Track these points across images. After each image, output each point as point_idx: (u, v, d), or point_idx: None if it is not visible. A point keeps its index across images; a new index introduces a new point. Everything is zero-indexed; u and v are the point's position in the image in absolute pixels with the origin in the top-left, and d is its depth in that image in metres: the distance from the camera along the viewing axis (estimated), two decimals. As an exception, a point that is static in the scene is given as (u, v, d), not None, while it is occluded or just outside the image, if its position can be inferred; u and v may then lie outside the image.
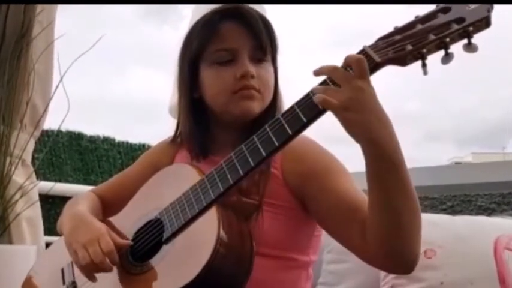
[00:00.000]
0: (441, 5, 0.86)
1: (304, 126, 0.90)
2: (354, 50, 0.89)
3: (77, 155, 6.49)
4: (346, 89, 0.85)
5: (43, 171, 5.72)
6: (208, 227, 0.94)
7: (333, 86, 0.87)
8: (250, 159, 0.94)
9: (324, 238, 1.15)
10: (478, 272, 1.25)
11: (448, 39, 0.82)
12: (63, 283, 1.14)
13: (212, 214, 0.95)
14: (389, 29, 0.89)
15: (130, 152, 6.96)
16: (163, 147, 1.27)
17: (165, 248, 1.00)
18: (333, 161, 1.09)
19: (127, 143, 7.06)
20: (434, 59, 0.84)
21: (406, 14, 0.89)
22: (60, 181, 5.59)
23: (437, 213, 1.76)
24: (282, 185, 1.07)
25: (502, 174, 1.81)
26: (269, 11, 1.23)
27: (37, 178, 2.17)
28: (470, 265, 1.26)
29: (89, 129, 6.87)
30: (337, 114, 0.86)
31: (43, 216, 2.15)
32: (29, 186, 2.02)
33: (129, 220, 1.12)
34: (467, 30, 0.81)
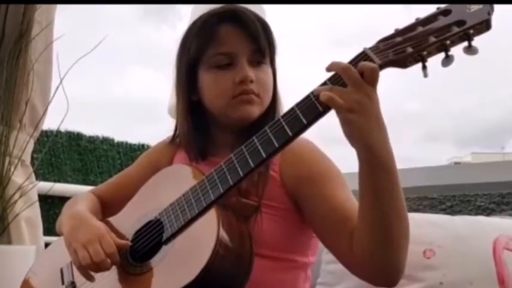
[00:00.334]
0: (442, 8, 0.86)
1: (305, 127, 0.90)
2: (354, 50, 0.89)
3: (76, 155, 6.49)
4: (354, 92, 0.85)
5: (42, 172, 5.72)
6: (208, 227, 0.94)
7: (337, 87, 0.87)
8: (250, 161, 0.94)
9: (324, 239, 1.15)
10: (477, 272, 1.24)
11: (448, 42, 0.82)
12: (62, 283, 1.14)
13: (212, 215, 0.96)
14: (389, 29, 0.89)
15: (130, 152, 6.96)
16: (162, 148, 1.27)
17: (164, 248, 1.00)
18: (331, 167, 1.10)
19: (126, 143, 7.06)
20: (435, 60, 0.85)
21: (406, 15, 0.89)
22: (59, 181, 5.59)
23: (437, 213, 1.76)
24: (279, 187, 1.07)
25: (501, 175, 1.80)
26: (268, 11, 1.23)
27: (36, 178, 2.17)
28: (469, 265, 1.26)
29: (88, 129, 6.86)
30: (340, 114, 0.86)
31: (42, 217, 2.15)
32: (28, 186, 2.02)
33: (129, 220, 1.12)
34: (468, 32, 0.81)
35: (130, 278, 1.02)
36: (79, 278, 1.05)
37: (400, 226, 0.91)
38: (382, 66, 0.86)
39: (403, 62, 0.85)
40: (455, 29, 0.82)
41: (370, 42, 0.89)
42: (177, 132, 1.23)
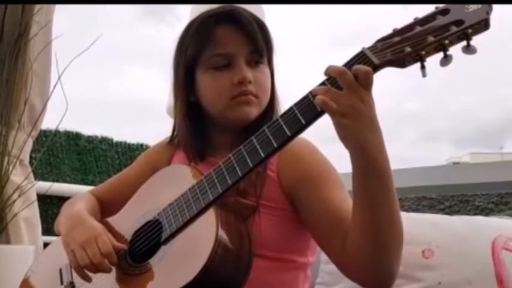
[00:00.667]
0: (440, 7, 0.86)
1: (303, 127, 0.90)
2: (353, 50, 0.89)
3: (74, 155, 6.49)
4: (348, 96, 0.85)
5: (41, 171, 5.72)
6: (207, 227, 0.94)
7: (334, 89, 0.87)
8: (248, 160, 0.94)
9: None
10: (476, 272, 1.25)
11: (446, 42, 0.82)
12: (61, 283, 1.13)
13: (210, 215, 0.95)
14: (388, 29, 0.89)
15: (129, 152, 6.96)
16: (161, 148, 1.27)
17: (163, 248, 1.00)
18: (328, 168, 1.09)
19: (125, 143, 7.06)
20: (433, 60, 0.85)
21: (405, 15, 0.89)
22: (58, 181, 5.60)
23: (435, 213, 1.76)
24: (277, 187, 1.07)
25: (499, 175, 1.81)
26: (268, 12, 1.23)
27: (35, 178, 2.17)
28: (468, 265, 1.26)
29: (87, 129, 6.86)
30: (333, 117, 0.86)
31: (41, 216, 2.15)
32: (26, 186, 2.02)
33: (128, 221, 1.12)
34: (466, 32, 0.81)
35: (129, 278, 1.02)
36: (78, 278, 1.05)
37: (393, 230, 0.91)
38: (381, 66, 0.86)
39: (401, 62, 0.85)
40: (454, 29, 0.82)
41: (370, 42, 0.89)
42: (176, 132, 1.23)
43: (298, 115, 0.89)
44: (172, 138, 1.24)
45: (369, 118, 0.86)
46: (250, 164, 0.93)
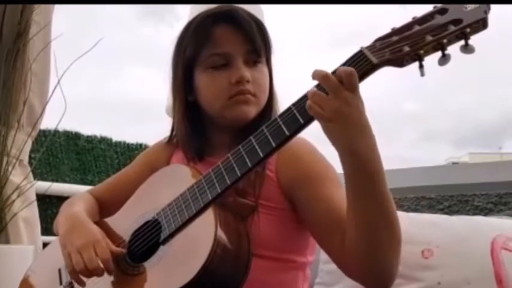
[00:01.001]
0: (438, 6, 0.86)
1: (301, 127, 0.90)
2: (351, 50, 0.89)
3: (74, 155, 6.48)
4: (334, 100, 0.85)
5: (40, 171, 5.71)
6: (206, 227, 0.94)
7: (321, 92, 0.87)
8: (247, 160, 0.94)
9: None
10: (475, 272, 1.25)
11: (445, 41, 0.82)
12: (60, 283, 1.13)
13: (209, 215, 0.95)
14: (387, 29, 0.89)
15: (128, 151, 6.95)
16: (160, 148, 1.27)
17: (162, 248, 1.00)
18: (327, 167, 1.09)
19: (124, 142, 7.05)
20: (431, 59, 0.85)
21: (404, 14, 0.89)
22: (57, 181, 5.60)
23: (435, 213, 1.76)
24: (276, 187, 1.07)
25: (498, 175, 1.81)
26: (267, 12, 1.23)
27: (34, 178, 2.17)
28: (467, 265, 1.26)
29: (86, 129, 6.85)
30: (319, 122, 0.87)
31: (40, 216, 2.16)
32: (26, 186, 2.02)
33: (126, 221, 1.12)
34: (464, 31, 0.81)
35: (128, 278, 1.02)
36: (77, 278, 1.05)
37: (389, 231, 0.91)
38: (379, 65, 0.86)
39: (399, 61, 0.85)
40: (452, 28, 0.82)
41: (369, 42, 0.89)
42: (174, 132, 1.23)
43: (297, 115, 0.90)
44: (171, 138, 1.24)
45: (357, 120, 0.86)
46: (249, 164, 0.94)
